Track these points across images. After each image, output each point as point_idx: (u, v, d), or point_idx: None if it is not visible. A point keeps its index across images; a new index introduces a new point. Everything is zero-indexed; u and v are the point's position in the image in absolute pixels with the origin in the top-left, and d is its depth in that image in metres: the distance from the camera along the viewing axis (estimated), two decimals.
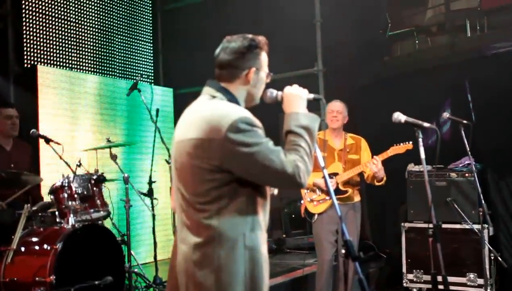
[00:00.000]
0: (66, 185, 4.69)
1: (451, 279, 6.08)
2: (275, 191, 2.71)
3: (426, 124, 3.30)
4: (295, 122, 2.41)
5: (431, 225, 3.37)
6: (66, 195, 4.66)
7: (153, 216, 5.74)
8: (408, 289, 6.18)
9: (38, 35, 7.00)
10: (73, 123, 6.89)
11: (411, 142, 4.99)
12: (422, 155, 3.27)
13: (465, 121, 4.99)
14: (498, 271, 5.98)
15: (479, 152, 6.39)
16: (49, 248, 4.31)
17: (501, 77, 6.22)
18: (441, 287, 6.12)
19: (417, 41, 7.45)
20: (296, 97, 2.50)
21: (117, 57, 8.11)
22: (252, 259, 2.35)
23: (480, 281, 5.81)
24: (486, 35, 6.96)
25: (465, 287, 6.02)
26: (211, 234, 2.31)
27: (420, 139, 3.30)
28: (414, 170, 6.55)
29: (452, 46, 7.00)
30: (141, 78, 5.92)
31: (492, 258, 5.86)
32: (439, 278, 5.10)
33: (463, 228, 5.96)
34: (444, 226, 6.20)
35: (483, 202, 5.12)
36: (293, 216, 7.85)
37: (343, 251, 2.37)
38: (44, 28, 7.09)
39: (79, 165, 4.96)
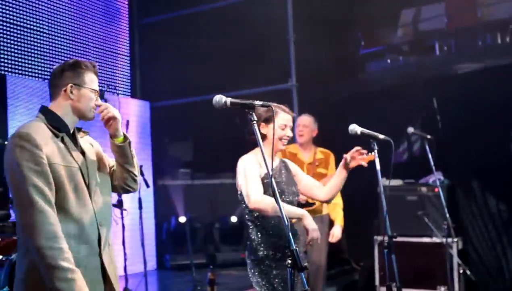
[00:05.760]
0: None
1: None
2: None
3: (381, 136, 3.37)
4: None
5: (386, 238, 3.44)
6: None
7: (123, 226, 5.71)
8: None
9: (8, 44, 6.86)
10: None
11: (373, 153, 5.06)
12: (378, 167, 3.34)
13: (429, 137, 5.13)
14: (467, 284, 6.11)
15: (448, 167, 6.57)
16: (3, 258, 4.16)
17: (468, 95, 6.42)
18: None
19: (388, 60, 7.63)
20: None
21: None
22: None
23: None
24: (454, 54, 7.18)
25: None
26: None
27: (376, 151, 3.37)
28: (385, 185, 6.67)
29: (422, 64, 7.20)
30: (108, 89, 5.86)
31: (461, 271, 5.99)
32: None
33: (434, 242, 6.08)
34: (415, 239, 6.33)
35: (447, 215, 5.25)
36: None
37: (289, 261, 2.31)
38: (15, 38, 6.96)
39: None
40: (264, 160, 2.55)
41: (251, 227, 3.42)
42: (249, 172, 3.35)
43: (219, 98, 2.61)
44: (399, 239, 6.27)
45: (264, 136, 3.41)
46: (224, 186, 8.30)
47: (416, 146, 6.92)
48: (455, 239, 6.10)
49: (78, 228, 2.52)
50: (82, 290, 2.39)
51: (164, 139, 9.07)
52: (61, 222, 2.44)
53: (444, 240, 5.87)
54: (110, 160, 2.89)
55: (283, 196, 3.37)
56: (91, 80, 2.70)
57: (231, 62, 7.86)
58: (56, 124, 2.59)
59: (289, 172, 3.57)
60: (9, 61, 6.89)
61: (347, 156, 3.47)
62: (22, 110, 6.57)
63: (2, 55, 6.79)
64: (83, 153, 2.68)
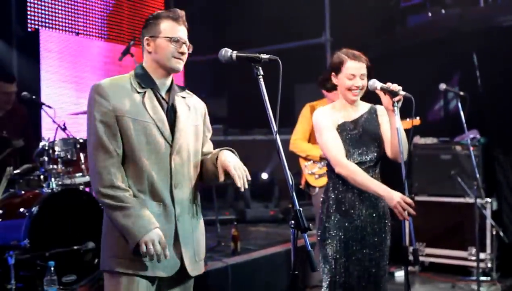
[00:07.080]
0: (47, 148, 4.54)
1: (453, 252, 6.07)
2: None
3: (402, 92, 3.13)
4: None
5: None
6: (46, 158, 4.51)
7: None
8: (410, 261, 6.13)
9: None
10: (78, 89, 6.81)
11: (418, 117, 4.84)
12: (398, 123, 3.13)
13: (462, 93, 4.89)
14: (500, 245, 5.92)
15: (486, 125, 6.30)
16: (25, 211, 4.19)
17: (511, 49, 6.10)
18: (434, 260, 6.11)
19: (429, 14, 7.26)
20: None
21: (126, 23, 8.00)
22: None
23: (482, 255, 5.76)
24: (499, 6, 6.81)
25: (466, 261, 5.99)
26: None
27: (396, 108, 3.14)
28: (420, 143, 6.47)
29: (463, 17, 6.84)
30: (134, 42, 5.74)
31: (494, 233, 5.80)
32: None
33: (466, 202, 5.88)
34: (447, 199, 6.15)
35: (477, 175, 5.02)
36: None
37: (293, 221, 2.25)
38: None
39: (64, 129, 4.90)
40: (271, 121, 2.35)
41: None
42: (325, 131, 3.31)
43: (225, 52, 2.53)
44: (432, 198, 6.21)
45: (334, 86, 3.38)
46: (256, 143, 8.21)
47: (453, 103, 6.65)
48: (489, 200, 5.88)
49: (148, 184, 2.50)
50: (148, 226, 2.41)
51: (200, 95, 8.99)
52: (131, 174, 2.50)
53: (478, 201, 5.66)
54: (207, 144, 2.86)
55: (350, 152, 3.32)
56: (169, 28, 2.61)
57: (263, 15, 7.62)
58: (140, 80, 2.58)
59: (374, 124, 3.38)
60: (42, 15, 6.84)
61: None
62: (54, 63, 6.60)
63: (34, 9, 6.76)
64: (173, 112, 2.63)
